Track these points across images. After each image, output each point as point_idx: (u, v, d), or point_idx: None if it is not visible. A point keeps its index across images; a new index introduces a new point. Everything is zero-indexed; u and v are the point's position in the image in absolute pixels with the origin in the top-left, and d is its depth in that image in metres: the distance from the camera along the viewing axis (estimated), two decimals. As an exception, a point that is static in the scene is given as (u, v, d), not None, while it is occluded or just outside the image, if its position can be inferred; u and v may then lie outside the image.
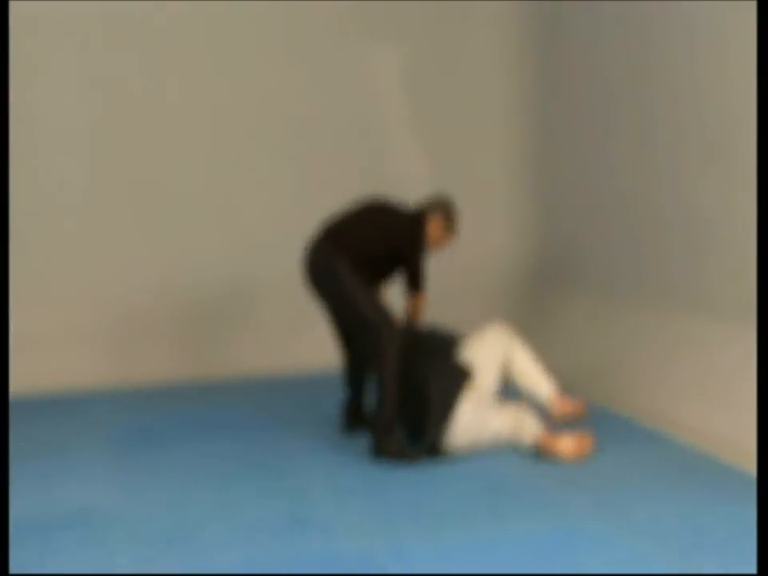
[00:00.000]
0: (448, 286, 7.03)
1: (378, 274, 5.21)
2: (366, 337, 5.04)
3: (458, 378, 5.00)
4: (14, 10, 6.38)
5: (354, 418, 5.56)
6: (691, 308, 5.48)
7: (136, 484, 4.69)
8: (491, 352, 5.15)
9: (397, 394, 5.00)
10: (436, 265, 6.14)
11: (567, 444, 4.95)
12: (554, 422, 5.19)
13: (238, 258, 7.10)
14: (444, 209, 5.43)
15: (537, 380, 5.17)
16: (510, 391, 5.28)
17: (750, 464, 4.50)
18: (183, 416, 5.98)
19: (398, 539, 3.92)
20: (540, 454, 4.97)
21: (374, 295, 5.09)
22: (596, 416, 5.59)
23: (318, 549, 3.84)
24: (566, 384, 5.95)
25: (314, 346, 7.01)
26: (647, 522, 4.01)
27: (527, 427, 5.02)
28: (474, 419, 4.97)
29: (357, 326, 5.08)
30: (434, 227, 5.39)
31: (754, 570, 3.49)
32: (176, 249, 7.01)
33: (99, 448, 5.29)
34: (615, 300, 6.25)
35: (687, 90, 5.44)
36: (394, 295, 5.92)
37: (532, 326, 6.88)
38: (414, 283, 5.26)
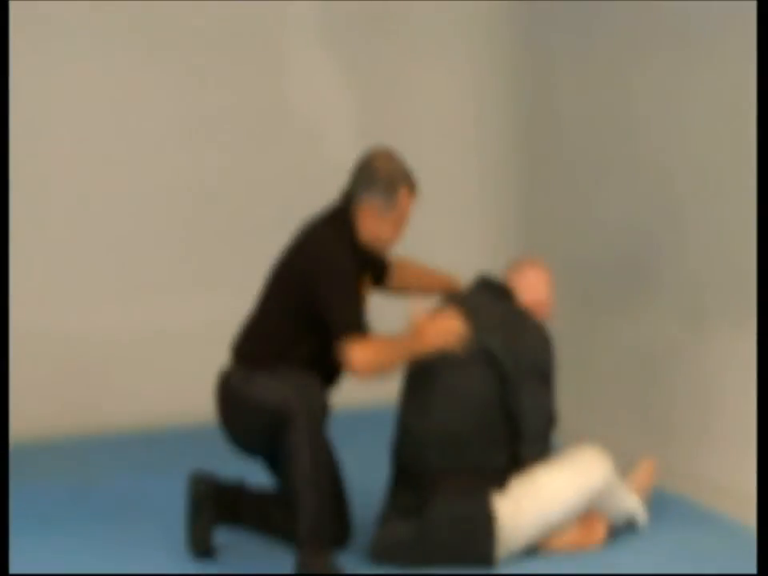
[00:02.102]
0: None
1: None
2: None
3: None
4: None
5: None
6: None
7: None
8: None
9: (322, 496, 3.32)
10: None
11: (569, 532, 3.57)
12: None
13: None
14: (375, 178, 3.47)
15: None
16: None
17: None
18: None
19: None
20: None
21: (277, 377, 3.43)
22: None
23: None
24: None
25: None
26: None
27: None
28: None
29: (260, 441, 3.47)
30: (366, 215, 3.50)
31: None
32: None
33: None
34: (636, 314, 4.86)
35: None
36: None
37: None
38: (344, 330, 3.34)
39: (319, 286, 3.37)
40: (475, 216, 5.81)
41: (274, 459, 3.48)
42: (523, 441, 3.53)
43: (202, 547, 3.56)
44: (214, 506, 3.54)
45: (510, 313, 3.61)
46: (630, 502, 3.67)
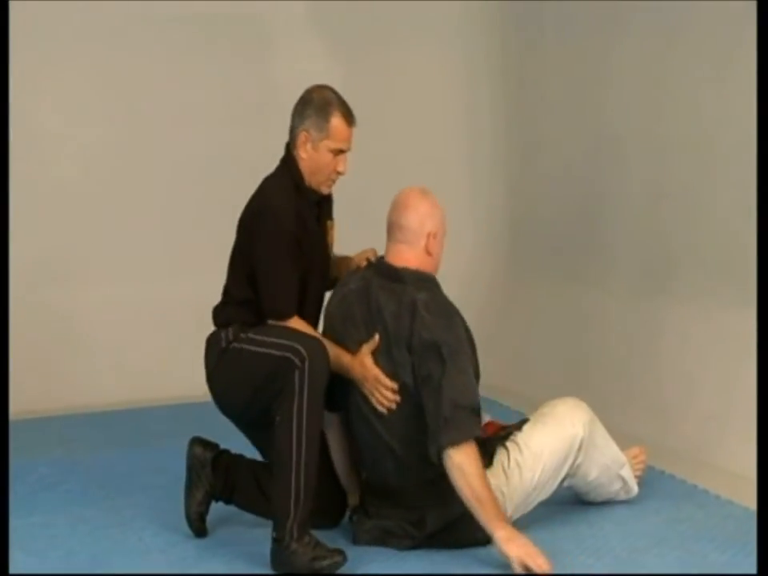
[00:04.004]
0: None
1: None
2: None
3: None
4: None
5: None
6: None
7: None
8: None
9: (315, 467, 3.18)
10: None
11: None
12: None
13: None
14: (308, 105, 3.35)
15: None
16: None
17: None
18: None
19: None
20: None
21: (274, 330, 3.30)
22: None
23: None
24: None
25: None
26: None
27: None
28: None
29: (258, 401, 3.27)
30: (302, 145, 3.35)
31: None
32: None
33: None
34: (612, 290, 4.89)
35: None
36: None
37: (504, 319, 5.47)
38: (267, 303, 3.34)
39: (255, 251, 3.35)
40: (465, 200, 5.82)
41: (261, 425, 3.32)
42: (428, 436, 3.15)
43: (197, 513, 3.49)
44: (212, 471, 3.47)
45: (402, 305, 3.25)
46: (614, 453, 3.54)
